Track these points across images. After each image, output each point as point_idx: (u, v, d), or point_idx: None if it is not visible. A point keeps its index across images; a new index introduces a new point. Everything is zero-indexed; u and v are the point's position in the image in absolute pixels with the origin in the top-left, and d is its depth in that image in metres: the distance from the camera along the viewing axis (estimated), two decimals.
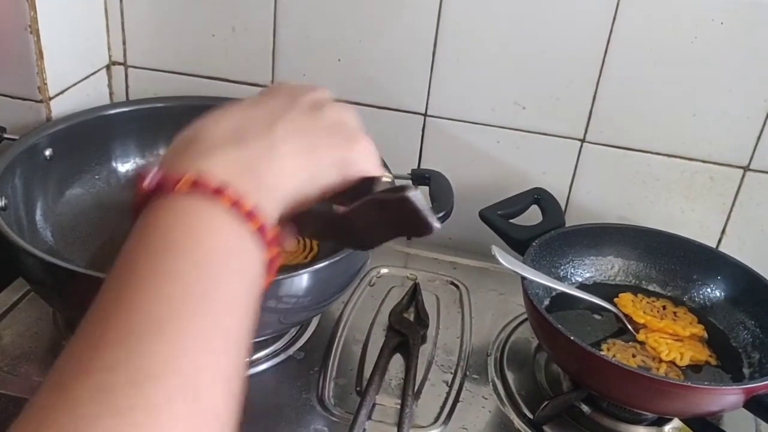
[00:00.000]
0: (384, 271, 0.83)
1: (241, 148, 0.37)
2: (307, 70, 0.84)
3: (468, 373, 0.70)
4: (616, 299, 0.74)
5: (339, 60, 0.83)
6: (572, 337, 0.60)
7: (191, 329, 0.30)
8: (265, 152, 0.37)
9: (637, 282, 0.77)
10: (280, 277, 0.58)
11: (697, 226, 0.82)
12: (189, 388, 0.29)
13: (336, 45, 0.82)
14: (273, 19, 0.83)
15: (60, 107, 0.79)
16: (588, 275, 0.77)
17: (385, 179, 0.41)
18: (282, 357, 0.69)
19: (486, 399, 0.67)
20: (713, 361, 0.68)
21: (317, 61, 0.84)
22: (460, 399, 0.67)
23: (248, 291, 0.34)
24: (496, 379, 0.70)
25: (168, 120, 0.81)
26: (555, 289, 0.71)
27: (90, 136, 0.77)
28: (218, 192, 0.34)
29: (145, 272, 0.32)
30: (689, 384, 0.61)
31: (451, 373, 0.70)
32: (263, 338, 0.67)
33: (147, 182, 0.35)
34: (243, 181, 0.35)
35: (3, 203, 0.63)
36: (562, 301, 0.72)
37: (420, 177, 0.75)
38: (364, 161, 0.41)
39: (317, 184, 0.39)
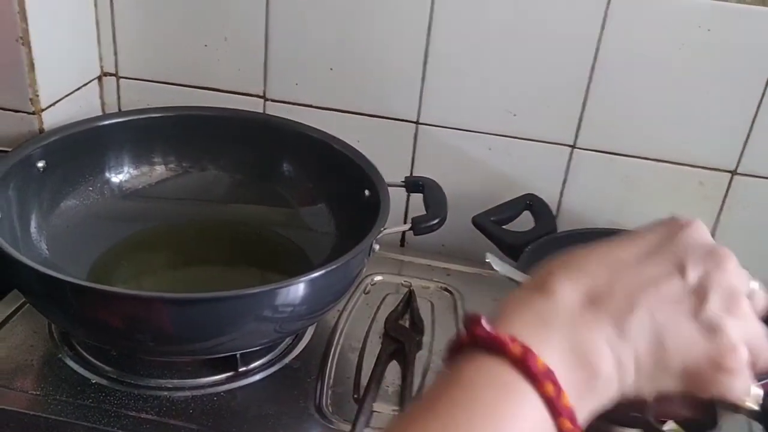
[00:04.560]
0: (378, 278, 0.83)
1: (583, 331, 0.34)
2: (299, 80, 0.85)
3: None
4: None
5: (331, 69, 0.83)
6: None
7: None
8: (606, 341, 0.34)
9: None
10: (276, 286, 0.59)
11: None
12: None
13: (327, 54, 0.83)
14: (265, 30, 0.83)
15: (52, 119, 0.79)
16: None
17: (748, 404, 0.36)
18: (278, 366, 0.69)
19: None
20: None
21: (309, 70, 0.84)
22: None
23: None
24: None
25: (160, 130, 0.82)
26: None
27: (83, 147, 0.77)
28: (543, 376, 0.32)
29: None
30: None
31: None
32: (259, 348, 0.67)
33: (480, 331, 0.34)
34: (573, 375, 0.33)
35: None
36: None
37: (413, 184, 0.76)
38: (727, 385, 0.35)
39: (649, 390, 0.35)
